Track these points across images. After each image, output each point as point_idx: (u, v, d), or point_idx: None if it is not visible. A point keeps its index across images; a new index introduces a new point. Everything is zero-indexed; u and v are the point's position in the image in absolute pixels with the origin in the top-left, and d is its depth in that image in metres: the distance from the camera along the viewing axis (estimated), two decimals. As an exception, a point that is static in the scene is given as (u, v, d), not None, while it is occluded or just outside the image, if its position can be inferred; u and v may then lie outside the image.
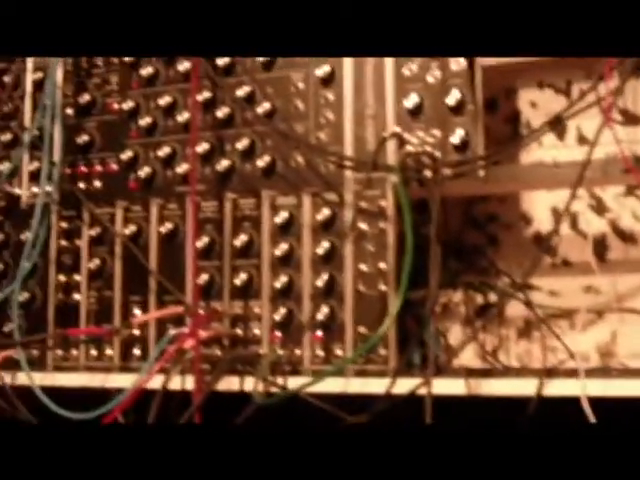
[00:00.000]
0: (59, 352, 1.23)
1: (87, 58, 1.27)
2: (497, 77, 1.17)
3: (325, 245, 1.09)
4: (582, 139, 1.27)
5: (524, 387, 0.97)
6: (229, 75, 1.17)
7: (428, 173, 1.03)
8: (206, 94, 1.17)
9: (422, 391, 0.97)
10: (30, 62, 1.30)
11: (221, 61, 1.17)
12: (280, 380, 1.06)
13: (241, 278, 1.13)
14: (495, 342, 1.25)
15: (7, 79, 1.32)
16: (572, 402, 0.93)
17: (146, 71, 1.22)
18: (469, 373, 1.03)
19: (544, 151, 1.27)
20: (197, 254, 1.14)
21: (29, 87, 1.30)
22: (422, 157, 1.04)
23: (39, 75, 1.29)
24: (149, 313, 1.17)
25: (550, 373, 1.01)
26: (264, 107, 1.14)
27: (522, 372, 1.13)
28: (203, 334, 1.10)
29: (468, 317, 1.27)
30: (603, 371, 1.12)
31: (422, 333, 1.04)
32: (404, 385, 0.99)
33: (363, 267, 1.07)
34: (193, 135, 1.13)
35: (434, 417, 0.94)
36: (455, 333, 1.30)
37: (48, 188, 1.23)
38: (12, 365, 1.20)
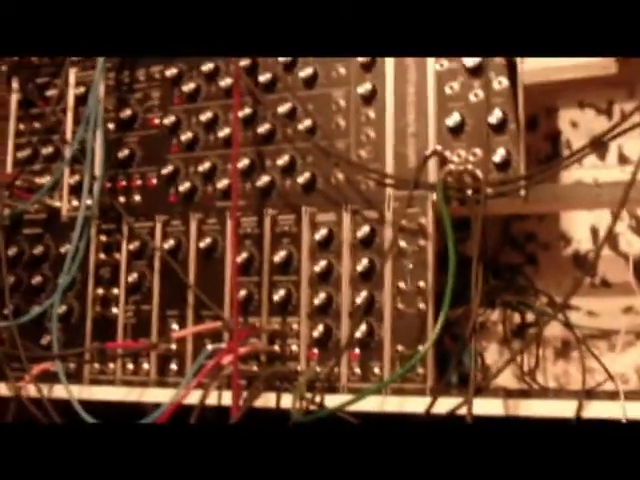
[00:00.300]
0: (96, 365, 1.23)
1: (129, 73, 1.28)
2: (538, 96, 1.17)
3: (364, 262, 1.09)
4: (623, 159, 1.26)
5: (563, 409, 0.96)
6: (270, 92, 1.18)
7: (469, 192, 1.03)
8: (247, 110, 1.18)
9: (461, 411, 0.96)
10: (72, 76, 1.31)
11: (262, 77, 1.17)
12: (317, 397, 1.06)
13: (279, 294, 1.13)
14: (532, 362, 1.24)
15: (50, 93, 1.33)
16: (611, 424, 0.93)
17: (188, 87, 1.23)
18: (507, 394, 1.02)
19: (584, 170, 1.27)
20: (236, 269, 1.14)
21: (71, 101, 1.32)
22: (464, 175, 1.04)
23: (81, 90, 1.30)
24: (188, 328, 1.17)
25: (589, 395, 1.00)
26: (305, 124, 1.15)
27: (560, 393, 1.12)
28: (241, 350, 1.10)
29: (506, 337, 1.26)
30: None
31: (460, 352, 1.04)
32: (442, 405, 0.98)
33: (402, 285, 1.07)
34: (235, 151, 1.13)
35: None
36: (492, 352, 1.29)
37: (88, 201, 1.23)
38: (49, 378, 1.21)
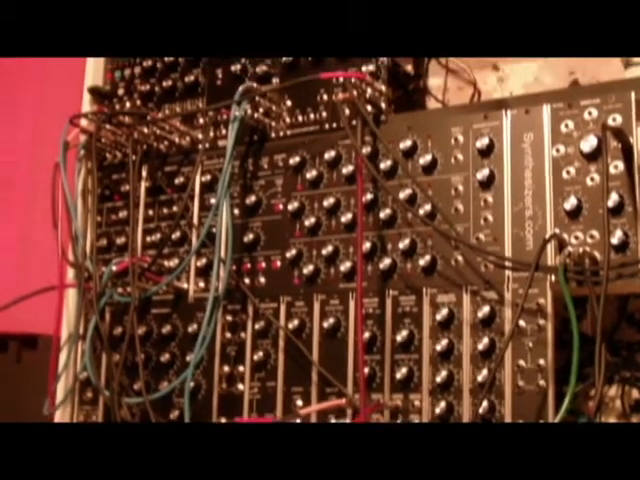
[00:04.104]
0: (223, 440, 1.28)
1: (253, 161, 1.35)
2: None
3: (485, 341, 1.13)
4: None
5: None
6: (391, 178, 1.23)
7: (589, 273, 1.06)
8: (369, 196, 1.24)
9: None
10: (199, 167, 1.39)
11: (383, 165, 1.23)
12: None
13: (402, 372, 1.17)
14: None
15: (177, 181, 1.41)
16: None
17: (310, 174, 1.29)
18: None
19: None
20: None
21: (197, 188, 1.39)
22: (584, 258, 1.07)
23: (207, 177, 1.38)
24: (314, 405, 1.22)
25: None
26: (425, 209, 1.19)
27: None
28: (366, 426, 1.14)
29: (624, 412, 1.27)
30: None
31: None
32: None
33: (522, 363, 1.10)
34: (359, 235, 1.18)
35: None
36: (610, 429, 1.30)
37: (215, 283, 1.29)
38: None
